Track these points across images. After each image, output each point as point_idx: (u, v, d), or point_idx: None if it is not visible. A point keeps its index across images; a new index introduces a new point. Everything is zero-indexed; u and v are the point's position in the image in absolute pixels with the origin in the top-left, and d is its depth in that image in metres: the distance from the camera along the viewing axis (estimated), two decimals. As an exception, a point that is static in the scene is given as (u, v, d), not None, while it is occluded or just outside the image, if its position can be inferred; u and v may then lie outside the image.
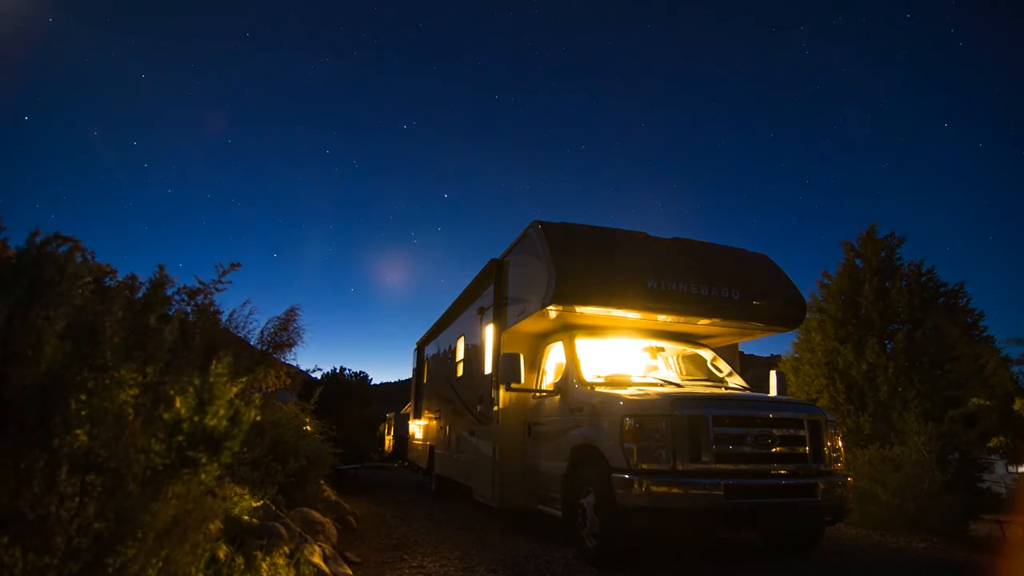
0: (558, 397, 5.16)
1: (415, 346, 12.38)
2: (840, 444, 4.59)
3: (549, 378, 5.67)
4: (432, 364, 10.57)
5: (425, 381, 11.16)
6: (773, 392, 5.59)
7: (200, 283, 3.24)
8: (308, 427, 5.88)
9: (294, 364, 5.01)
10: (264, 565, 2.82)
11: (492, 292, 6.45)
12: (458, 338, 8.25)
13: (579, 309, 5.12)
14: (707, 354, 5.96)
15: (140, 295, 2.34)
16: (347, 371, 17.81)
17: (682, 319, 5.54)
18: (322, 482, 6.35)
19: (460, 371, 7.92)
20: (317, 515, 4.61)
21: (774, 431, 4.15)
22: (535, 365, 5.91)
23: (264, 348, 4.47)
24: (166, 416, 1.65)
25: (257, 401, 3.39)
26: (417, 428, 11.77)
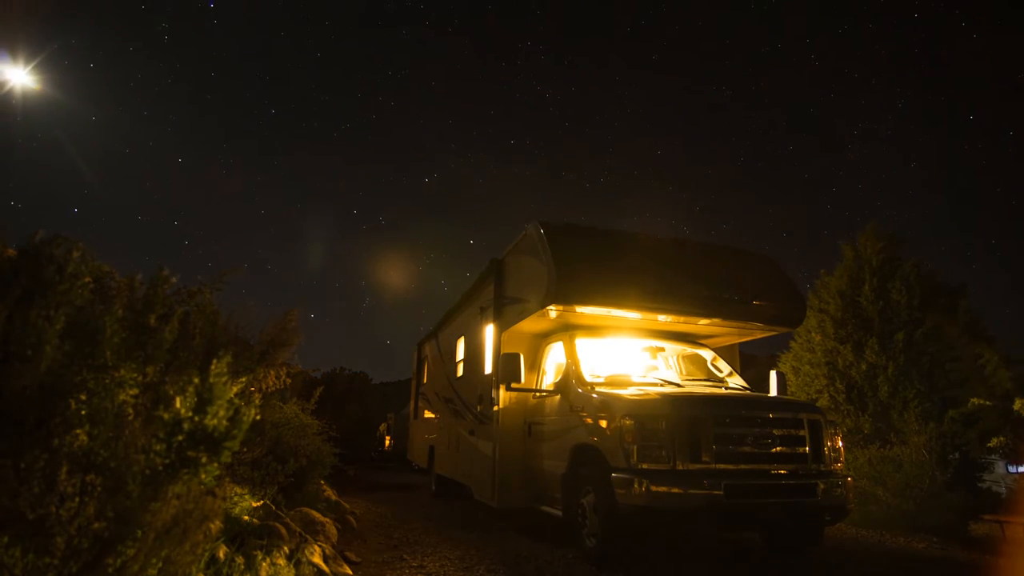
0: (558, 397, 5.17)
1: (415, 346, 12.38)
2: (840, 444, 4.59)
3: (549, 378, 5.67)
4: (432, 364, 10.56)
5: (425, 381, 11.16)
6: (773, 392, 5.59)
7: (200, 283, 3.24)
8: (311, 424, 5.88)
9: (294, 364, 5.01)
10: (264, 565, 2.83)
11: (492, 292, 6.45)
12: (458, 338, 8.24)
13: (579, 309, 5.12)
14: (707, 354, 5.96)
15: (140, 295, 2.34)
16: (347, 371, 17.84)
17: (682, 319, 5.54)
18: (322, 482, 6.34)
19: (460, 371, 7.92)
20: (317, 515, 4.60)
21: (774, 431, 4.15)
22: (535, 365, 5.91)
23: (264, 348, 4.47)
24: (166, 416, 1.65)
25: (257, 401, 3.39)
26: (417, 428, 11.77)
